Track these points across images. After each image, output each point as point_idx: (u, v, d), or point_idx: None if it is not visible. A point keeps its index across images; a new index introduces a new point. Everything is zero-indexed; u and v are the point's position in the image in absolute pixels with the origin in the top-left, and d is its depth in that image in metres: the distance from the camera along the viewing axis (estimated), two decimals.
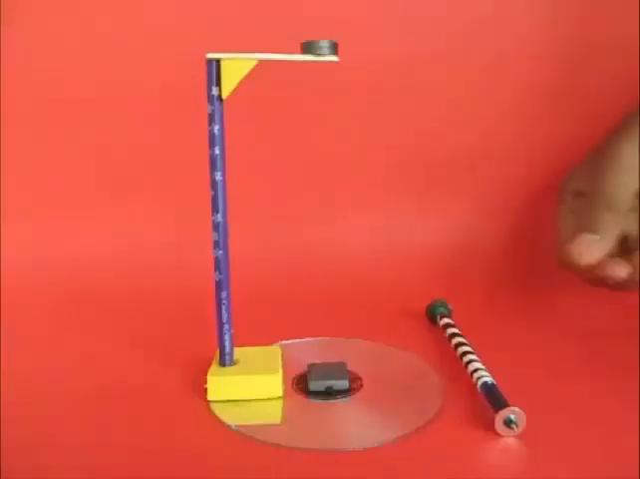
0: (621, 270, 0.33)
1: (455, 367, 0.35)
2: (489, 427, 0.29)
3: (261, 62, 0.30)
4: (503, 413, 0.29)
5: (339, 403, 0.32)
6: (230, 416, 0.31)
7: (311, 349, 0.37)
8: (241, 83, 0.30)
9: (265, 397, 0.32)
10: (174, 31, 0.45)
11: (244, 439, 0.29)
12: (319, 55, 0.30)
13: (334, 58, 0.30)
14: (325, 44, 0.30)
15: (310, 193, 0.47)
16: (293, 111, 0.46)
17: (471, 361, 0.34)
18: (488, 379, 0.32)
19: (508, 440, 0.29)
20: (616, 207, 0.33)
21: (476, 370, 0.33)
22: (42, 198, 0.46)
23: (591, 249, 0.33)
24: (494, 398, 0.30)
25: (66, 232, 0.46)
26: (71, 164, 0.46)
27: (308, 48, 0.30)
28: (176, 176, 0.46)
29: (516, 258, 0.49)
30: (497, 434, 0.29)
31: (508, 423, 0.29)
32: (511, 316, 0.43)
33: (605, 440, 0.29)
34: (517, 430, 0.29)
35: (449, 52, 0.47)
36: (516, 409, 0.29)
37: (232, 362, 0.33)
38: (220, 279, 0.32)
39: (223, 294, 0.32)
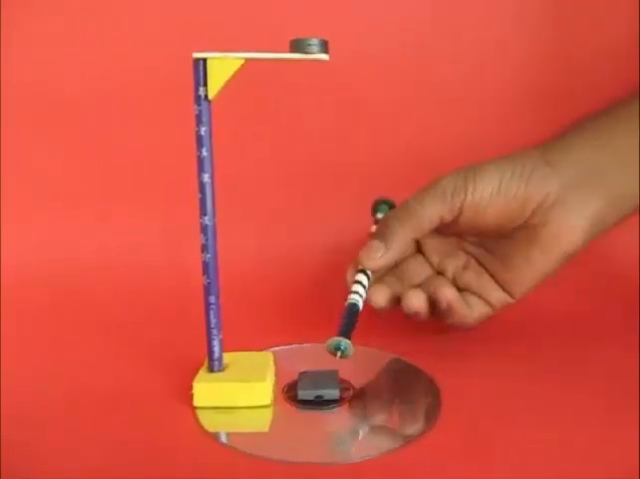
0: (412, 299, 0.35)
1: (452, 375, 0.34)
2: (489, 436, 0.28)
3: (249, 61, 0.29)
4: (336, 339, 0.31)
5: (328, 413, 0.31)
6: (216, 424, 0.30)
7: (305, 355, 0.37)
8: (229, 83, 0.29)
9: (253, 405, 0.31)
10: (161, 30, 0.44)
11: (227, 448, 0.28)
12: (309, 53, 0.29)
13: (324, 56, 0.29)
14: (315, 42, 0.29)
15: (303, 195, 0.46)
16: (282, 111, 0.46)
17: (358, 282, 0.35)
18: (357, 302, 0.34)
19: (509, 447, 0.28)
20: (411, 222, 0.35)
21: (354, 292, 0.34)
22: (42, 198, 0.46)
23: (374, 255, 0.35)
24: (345, 324, 0.32)
25: (66, 232, 0.46)
26: (71, 164, 0.46)
27: (297, 46, 0.29)
28: (178, 177, 0.45)
29: None
30: (499, 441, 0.28)
31: (335, 349, 0.31)
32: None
33: (605, 440, 0.28)
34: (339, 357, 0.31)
35: (436, 52, 0.47)
36: (348, 342, 0.31)
37: (221, 368, 0.32)
38: (209, 284, 0.31)
39: (212, 299, 0.32)
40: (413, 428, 0.30)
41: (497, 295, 0.37)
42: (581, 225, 0.35)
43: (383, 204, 0.39)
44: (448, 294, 0.35)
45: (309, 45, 0.29)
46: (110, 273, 0.45)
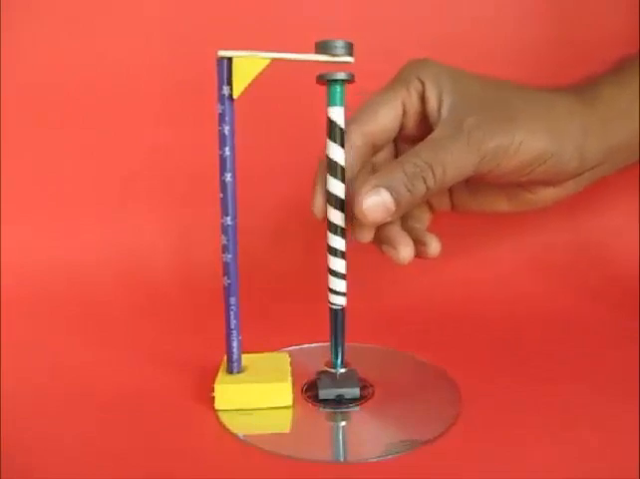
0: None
1: (470, 373, 0.34)
2: (509, 435, 0.29)
3: (274, 61, 0.29)
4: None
5: (350, 412, 0.31)
6: (238, 425, 0.30)
7: (321, 355, 0.36)
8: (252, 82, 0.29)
9: (274, 406, 0.31)
10: (184, 28, 0.44)
11: (252, 449, 0.28)
12: (334, 55, 0.29)
13: (349, 59, 0.30)
14: (340, 44, 0.29)
15: None
16: (305, 111, 0.46)
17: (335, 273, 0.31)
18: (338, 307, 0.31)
19: (526, 449, 0.28)
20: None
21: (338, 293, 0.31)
22: (42, 198, 0.45)
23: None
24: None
25: (66, 233, 0.45)
26: (72, 164, 0.45)
27: (322, 48, 0.29)
28: (183, 177, 0.45)
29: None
30: (517, 442, 0.28)
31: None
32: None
33: (605, 441, 0.28)
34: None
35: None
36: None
37: (240, 369, 0.32)
38: (229, 284, 0.31)
39: (232, 300, 0.31)
40: (432, 427, 0.30)
41: None
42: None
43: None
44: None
45: (335, 47, 0.29)
46: (115, 275, 0.44)
